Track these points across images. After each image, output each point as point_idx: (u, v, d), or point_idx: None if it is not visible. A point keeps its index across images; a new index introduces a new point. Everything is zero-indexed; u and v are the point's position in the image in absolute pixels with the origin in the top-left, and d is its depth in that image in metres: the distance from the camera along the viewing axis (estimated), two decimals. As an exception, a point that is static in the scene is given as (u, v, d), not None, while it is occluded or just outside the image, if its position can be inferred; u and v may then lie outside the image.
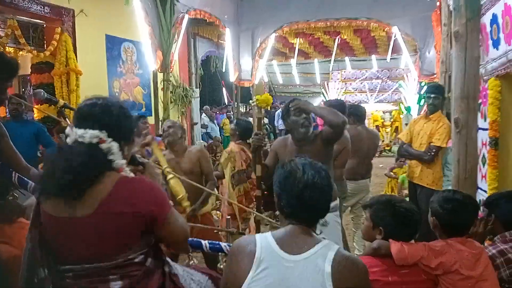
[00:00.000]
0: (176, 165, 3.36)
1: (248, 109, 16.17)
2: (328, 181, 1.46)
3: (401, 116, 12.76)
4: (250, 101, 2.86)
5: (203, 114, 11.36)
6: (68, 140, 1.44)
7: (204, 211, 3.54)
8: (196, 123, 9.61)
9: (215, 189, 3.90)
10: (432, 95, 3.94)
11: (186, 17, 6.81)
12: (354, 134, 4.11)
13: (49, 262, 1.41)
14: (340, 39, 9.76)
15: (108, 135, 1.43)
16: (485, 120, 3.39)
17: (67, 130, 1.45)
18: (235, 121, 5.78)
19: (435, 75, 7.23)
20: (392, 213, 1.80)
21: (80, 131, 1.41)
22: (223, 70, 10.59)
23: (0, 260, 1.88)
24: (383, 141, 14.34)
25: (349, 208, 4.38)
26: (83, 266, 1.38)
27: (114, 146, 1.44)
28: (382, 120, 14.55)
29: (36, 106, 5.04)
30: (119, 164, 1.44)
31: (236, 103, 10.89)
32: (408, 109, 11.32)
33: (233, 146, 4.46)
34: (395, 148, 12.53)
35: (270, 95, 3.08)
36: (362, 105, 15.51)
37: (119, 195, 1.39)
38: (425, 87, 5.77)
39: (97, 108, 1.46)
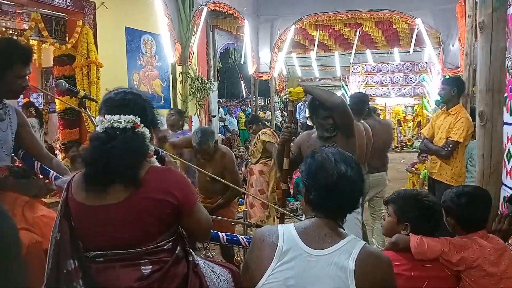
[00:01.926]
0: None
1: (266, 102, 16.13)
2: (360, 173, 1.41)
3: (430, 110, 12.46)
4: (282, 94, 2.86)
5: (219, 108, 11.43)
6: (99, 128, 1.47)
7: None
8: (214, 116, 9.65)
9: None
10: (439, 88, 3.95)
11: (205, 9, 6.80)
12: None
13: (79, 253, 1.44)
14: (361, 31, 9.60)
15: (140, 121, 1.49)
16: (510, 115, 3.28)
17: (97, 119, 1.48)
18: (250, 117, 5.92)
19: (459, 68, 7.05)
20: (419, 208, 1.77)
21: (116, 117, 1.45)
22: (242, 63, 10.58)
23: (22, 246, 1.91)
24: (404, 136, 14.12)
25: (366, 202, 4.32)
26: (115, 252, 1.42)
27: (146, 131, 1.50)
28: (404, 115, 14.31)
29: (58, 97, 5.13)
30: (151, 149, 1.51)
31: (254, 96, 10.87)
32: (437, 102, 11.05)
33: (265, 129, 4.84)
34: (417, 143, 12.32)
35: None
36: (384, 99, 15.16)
37: (152, 182, 1.44)
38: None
39: (128, 96, 1.51)
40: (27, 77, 2.11)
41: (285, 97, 2.75)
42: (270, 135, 4.74)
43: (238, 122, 12.48)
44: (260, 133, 4.82)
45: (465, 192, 1.90)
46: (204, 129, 3.62)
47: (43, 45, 6.15)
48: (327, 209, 1.39)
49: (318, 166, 1.40)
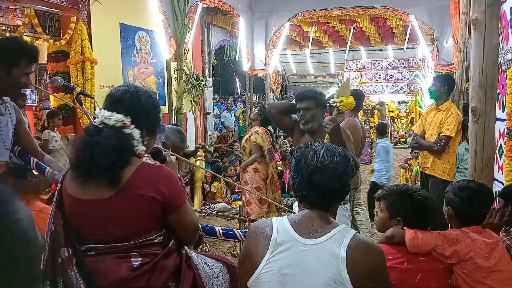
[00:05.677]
0: None
1: (261, 99, 16.12)
2: (344, 165, 1.41)
3: (423, 106, 12.56)
4: (331, 100, 2.66)
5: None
6: (96, 121, 1.52)
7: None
8: (209, 113, 9.64)
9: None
10: (431, 83, 4.07)
11: (200, 5, 6.79)
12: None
13: (72, 242, 1.46)
14: (355, 28, 9.64)
15: (131, 121, 1.50)
16: (503, 111, 3.32)
17: (97, 111, 1.51)
18: (259, 107, 6.09)
19: (452, 65, 7.10)
20: (410, 203, 1.79)
21: (107, 113, 1.48)
22: (236, 60, 10.57)
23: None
24: (398, 132, 14.21)
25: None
26: (106, 245, 1.45)
27: (136, 132, 1.50)
28: (397, 111, 14.38)
29: (53, 94, 5.11)
30: (139, 149, 1.51)
31: (249, 92, 10.89)
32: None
33: (258, 128, 4.78)
34: (410, 140, 12.38)
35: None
36: (377, 95, 15.25)
37: (141, 178, 1.46)
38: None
39: (127, 95, 1.53)
40: (30, 76, 2.12)
41: (334, 105, 2.64)
42: (262, 135, 4.66)
43: (237, 119, 12.44)
44: (253, 130, 4.76)
45: (469, 187, 1.92)
46: (179, 129, 3.70)
47: (37, 42, 6.08)
48: (309, 200, 1.42)
49: (299, 158, 1.44)
